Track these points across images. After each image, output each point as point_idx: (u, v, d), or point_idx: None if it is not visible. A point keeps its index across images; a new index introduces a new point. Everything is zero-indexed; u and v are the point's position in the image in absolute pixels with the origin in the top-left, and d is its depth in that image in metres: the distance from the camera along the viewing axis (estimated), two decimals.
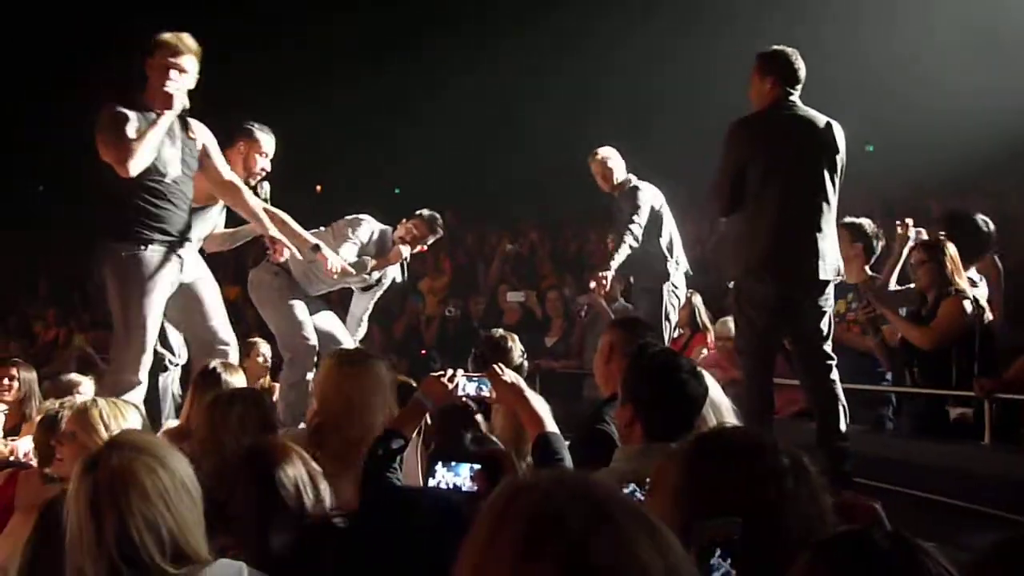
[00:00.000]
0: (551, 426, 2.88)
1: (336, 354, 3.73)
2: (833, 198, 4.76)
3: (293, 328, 5.49)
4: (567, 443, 2.87)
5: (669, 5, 11.57)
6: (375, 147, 15.78)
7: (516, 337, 4.47)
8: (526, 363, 4.44)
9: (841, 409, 4.67)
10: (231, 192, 5.01)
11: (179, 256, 4.72)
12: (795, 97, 4.79)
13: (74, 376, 5.31)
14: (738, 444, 1.85)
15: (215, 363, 4.25)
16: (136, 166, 4.44)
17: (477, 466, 2.26)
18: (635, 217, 6.46)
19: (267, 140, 5.42)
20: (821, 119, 4.79)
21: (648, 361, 3.08)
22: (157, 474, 2.04)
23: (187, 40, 4.62)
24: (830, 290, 4.82)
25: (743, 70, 5.02)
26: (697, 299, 7.13)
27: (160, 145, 4.54)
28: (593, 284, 6.39)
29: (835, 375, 4.74)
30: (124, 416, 3.39)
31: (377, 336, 9.17)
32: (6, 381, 5.33)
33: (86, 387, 5.04)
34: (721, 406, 3.23)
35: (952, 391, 5.16)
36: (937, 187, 9.71)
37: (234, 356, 4.98)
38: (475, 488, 2.24)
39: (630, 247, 6.40)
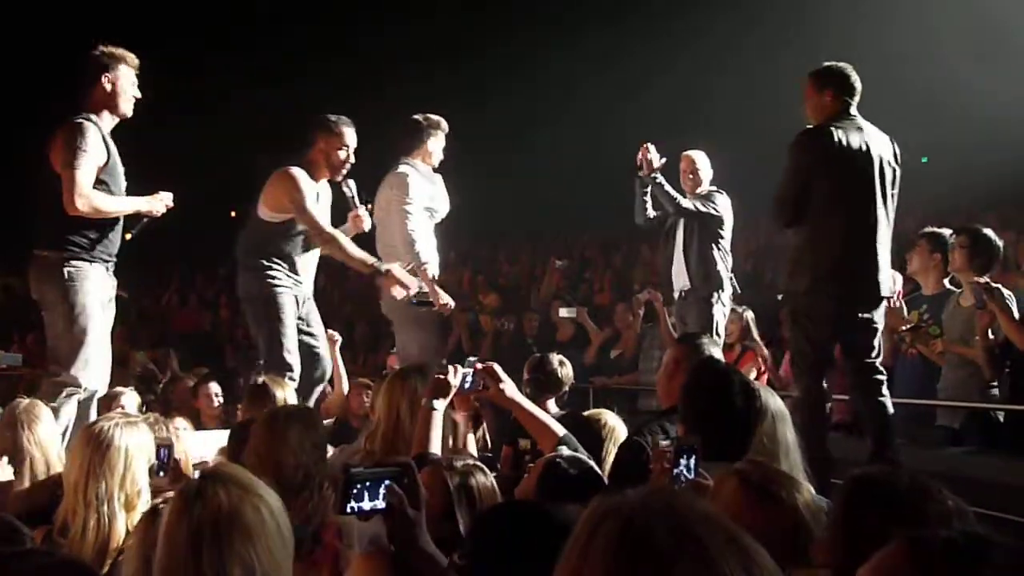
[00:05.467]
0: (560, 429, 3.12)
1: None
2: (892, 211, 4.74)
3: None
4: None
5: (721, 21, 11.54)
6: None
7: (565, 360, 4.57)
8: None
9: (891, 424, 4.64)
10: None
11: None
12: (854, 109, 4.77)
13: (118, 388, 5.20)
14: (903, 487, 1.86)
15: (263, 378, 4.30)
16: None
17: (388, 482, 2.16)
18: (721, 231, 6.47)
19: (347, 131, 5.09)
20: (880, 133, 4.77)
21: (701, 379, 3.09)
22: (261, 514, 1.98)
23: None
24: (882, 306, 4.78)
25: (798, 84, 4.99)
26: (749, 314, 7.01)
27: None
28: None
29: (885, 390, 4.69)
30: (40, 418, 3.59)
31: None
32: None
33: (128, 399, 5.06)
34: (786, 420, 3.12)
35: None
36: (995, 198, 9.52)
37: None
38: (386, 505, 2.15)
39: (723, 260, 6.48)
